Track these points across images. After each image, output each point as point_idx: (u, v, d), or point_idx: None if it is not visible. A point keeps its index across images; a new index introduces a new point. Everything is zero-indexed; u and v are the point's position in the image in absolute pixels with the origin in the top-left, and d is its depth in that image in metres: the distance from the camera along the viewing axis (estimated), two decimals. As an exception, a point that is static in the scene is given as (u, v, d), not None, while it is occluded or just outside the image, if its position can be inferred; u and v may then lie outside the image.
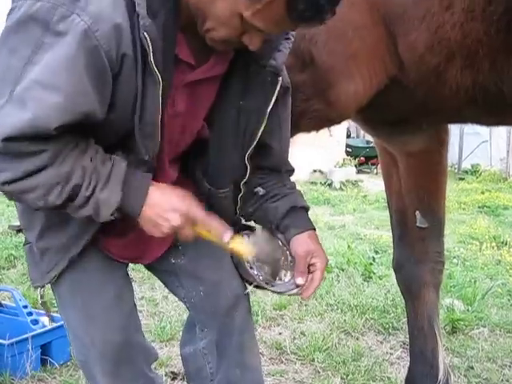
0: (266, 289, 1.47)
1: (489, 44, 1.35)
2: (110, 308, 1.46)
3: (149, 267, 1.67)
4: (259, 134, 1.40)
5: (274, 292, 1.50)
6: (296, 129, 1.55)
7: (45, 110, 1.07)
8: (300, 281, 1.44)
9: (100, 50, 1.08)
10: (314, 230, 1.53)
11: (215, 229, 1.34)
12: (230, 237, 1.36)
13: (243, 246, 1.40)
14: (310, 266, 1.46)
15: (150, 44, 1.12)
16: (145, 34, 1.11)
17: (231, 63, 1.36)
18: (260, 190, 1.53)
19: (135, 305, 1.57)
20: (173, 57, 1.22)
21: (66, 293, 1.47)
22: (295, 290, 1.45)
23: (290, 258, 1.50)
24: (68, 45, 1.06)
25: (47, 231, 1.38)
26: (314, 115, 1.64)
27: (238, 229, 1.55)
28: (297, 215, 1.52)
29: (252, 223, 1.62)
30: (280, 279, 1.48)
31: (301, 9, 1.10)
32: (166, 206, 1.25)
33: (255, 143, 1.42)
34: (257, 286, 1.50)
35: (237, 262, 1.51)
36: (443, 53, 1.41)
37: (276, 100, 1.39)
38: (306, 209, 1.56)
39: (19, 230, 4.87)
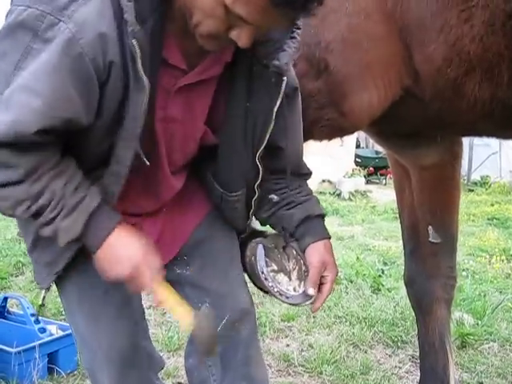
0: (280, 300, 1.46)
1: (510, 58, 1.33)
2: (117, 313, 1.46)
3: None
4: (268, 134, 1.40)
5: (288, 303, 1.49)
6: (308, 135, 1.54)
7: (25, 113, 1.09)
8: (311, 292, 1.44)
9: (84, 57, 1.10)
10: (329, 238, 1.53)
11: (159, 292, 1.32)
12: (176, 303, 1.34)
13: (185, 317, 1.34)
14: (321, 277, 1.46)
15: (138, 51, 1.12)
16: (133, 41, 1.11)
17: (235, 65, 1.34)
18: (274, 197, 1.52)
19: (143, 311, 1.57)
20: (159, 62, 1.22)
21: (73, 298, 1.47)
22: (309, 301, 1.45)
23: (304, 268, 1.49)
24: (52, 51, 1.08)
25: (37, 244, 1.39)
26: (327, 124, 1.63)
27: (251, 235, 1.54)
28: (312, 223, 1.52)
29: (263, 228, 1.62)
30: (294, 290, 1.47)
31: None
32: (121, 253, 1.26)
33: (265, 144, 1.41)
34: (271, 295, 1.49)
35: (251, 272, 1.50)
36: (462, 66, 1.39)
37: (283, 100, 1.37)
38: (323, 216, 1.55)
39: (28, 237, 4.87)
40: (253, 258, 1.48)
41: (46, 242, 1.36)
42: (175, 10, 1.20)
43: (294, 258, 1.51)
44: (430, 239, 2.12)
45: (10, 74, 1.10)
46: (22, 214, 1.19)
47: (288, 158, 1.49)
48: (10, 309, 3.00)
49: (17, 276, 4.25)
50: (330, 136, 1.77)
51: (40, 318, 2.79)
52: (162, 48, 1.21)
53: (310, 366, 2.85)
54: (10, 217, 1.29)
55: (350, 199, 9.61)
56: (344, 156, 10.94)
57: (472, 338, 3.16)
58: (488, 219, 7.79)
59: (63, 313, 3.41)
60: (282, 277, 1.48)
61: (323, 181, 10.27)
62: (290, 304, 1.50)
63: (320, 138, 1.76)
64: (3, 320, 2.87)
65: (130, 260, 1.25)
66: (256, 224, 1.65)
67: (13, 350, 2.48)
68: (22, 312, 2.83)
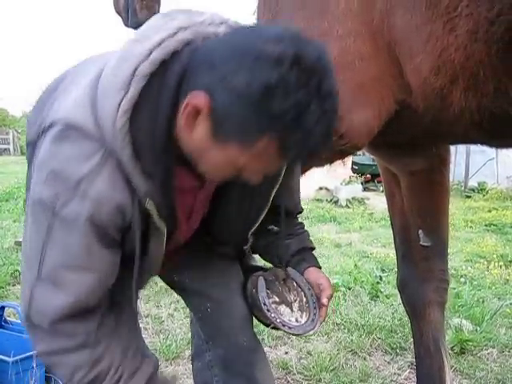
0: (283, 330, 1.47)
1: (491, 65, 1.34)
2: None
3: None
4: (262, 216, 1.45)
5: (291, 334, 1.50)
6: (310, 163, 1.56)
7: (82, 288, 1.14)
8: (325, 302, 1.50)
9: (107, 228, 1.12)
10: (320, 268, 1.61)
11: None
12: None
13: None
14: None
15: (154, 208, 1.15)
16: (147, 202, 1.13)
17: None
18: (274, 228, 1.55)
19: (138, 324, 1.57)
20: (174, 193, 1.20)
21: None
22: (312, 331, 1.48)
23: (305, 300, 1.52)
24: (77, 232, 1.10)
25: None
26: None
27: (250, 270, 1.59)
28: (306, 254, 1.60)
29: (262, 263, 1.67)
30: (296, 320, 1.49)
31: (294, 153, 1.08)
32: None
33: (260, 220, 1.46)
34: (273, 327, 1.50)
35: (253, 304, 1.51)
36: (447, 75, 1.40)
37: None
38: (313, 249, 1.64)
39: (25, 246, 4.86)
40: (254, 291, 1.49)
41: None
42: (179, 153, 1.17)
43: (295, 289, 1.54)
44: (421, 243, 2.13)
45: (40, 250, 1.12)
46: (81, 380, 1.19)
47: (289, 200, 1.56)
48: (7, 318, 2.97)
49: (14, 285, 4.23)
50: (330, 160, 1.78)
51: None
52: (173, 184, 1.18)
53: (308, 373, 2.83)
54: None
55: (347, 206, 9.64)
56: (341, 163, 10.94)
57: (471, 344, 3.16)
58: (485, 225, 7.81)
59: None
60: (283, 308, 1.50)
61: (320, 188, 10.29)
62: (293, 334, 1.50)
63: (321, 163, 1.78)
64: (0, 329, 2.85)
65: None
66: (254, 259, 1.69)
67: (10, 360, 2.46)
68: (19, 321, 2.82)
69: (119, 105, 1.06)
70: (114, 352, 1.22)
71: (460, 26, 1.33)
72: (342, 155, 1.77)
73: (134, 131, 1.07)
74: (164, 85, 1.08)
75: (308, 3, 1.59)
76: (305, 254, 1.60)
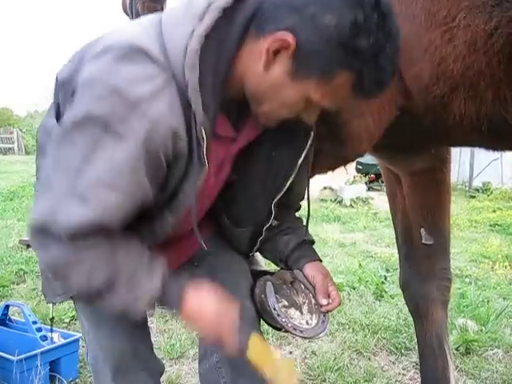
0: (295, 335, 1.46)
1: (491, 75, 1.35)
2: (117, 316, 1.44)
3: None
4: (288, 184, 1.45)
5: (302, 337, 1.49)
6: (312, 171, 1.57)
7: (109, 208, 1.11)
8: (324, 301, 1.49)
9: (159, 151, 1.13)
10: (321, 261, 1.61)
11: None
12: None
13: (270, 367, 1.36)
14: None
15: (205, 138, 1.16)
16: (202, 130, 1.15)
17: None
18: (274, 222, 1.55)
19: (145, 316, 1.57)
20: (212, 139, 1.22)
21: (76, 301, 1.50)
22: (323, 334, 1.46)
23: (313, 302, 1.51)
24: (129, 149, 1.09)
25: None
26: (329, 155, 1.65)
27: (256, 274, 1.58)
28: (306, 248, 1.60)
29: (266, 268, 1.67)
30: (307, 323, 1.48)
31: (366, 87, 1.17)
32: (197, 316, 1.27)
33: (284, 191, 1.45)
34: (285, 331, 1.50)
35: (262, 309, 1.50)
36: (447, 84, 1.41)
37: (307, 153, 1.43)
38: (313, 242, 1.64)
39: (29, 245, 4.87)
40: (262, 296, 1.48)
41: None
42: (231, 91, 1.23)
43: (303, 291, 1.53)
44: (423, 241, 2.13)
45: (80, 166, 1.09)
46: (98, 276, 1.16)
47: (297, 196, 1.58)
48: (12, 317, 2.98)
49: (18, 284, 4.24)
50: (333, 167, 1.79)
51: (41, 325, 2.78)
52: (215, 125, 1.23)
53: (313, 373, 2.83)
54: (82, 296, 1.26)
55: (351, 206, 9.62)
56: (345, 163, 10.92)
57: (476, 344, 3.15)
58: (490, 225, 7.78)
59: (65, 320, 3.41)
60: (293, 311, 1.49)
61: (324, 188, 10.28)
62: (305, 338, 1.50)
63: (324, 170, 1.78)
64: (5, 328, 2.86)
65: (211, 316, 1.26)
66: (260, 264, 1.69)
67: (14, 358, 2.47)
68: (23, 320, 2.82)
69: (192, 32, 1.12)
70: (128, 248, 1.21)
71: (458, 37, 1.35)
72: (344, 162, 1.77)
73: (200, 61, 1.12)
74: (233, 24, 1.16)
75: None
76: (304, 249, 1.59)
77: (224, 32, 1.16)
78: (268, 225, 1.50)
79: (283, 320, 1.44)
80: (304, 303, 1.51)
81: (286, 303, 1.50)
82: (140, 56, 1.11)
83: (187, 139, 1.16)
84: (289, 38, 1.11)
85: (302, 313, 1.50)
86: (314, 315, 1.49)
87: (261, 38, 1.15)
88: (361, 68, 1.13)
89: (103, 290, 1.17)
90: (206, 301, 1.28)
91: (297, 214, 1.68)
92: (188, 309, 1.25)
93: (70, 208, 1.09)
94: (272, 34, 1.12)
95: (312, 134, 1.41)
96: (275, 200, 1.46)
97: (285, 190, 1.45)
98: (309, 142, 1.42)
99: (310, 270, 1.55)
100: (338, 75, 1.14)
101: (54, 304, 1.51)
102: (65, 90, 1.25)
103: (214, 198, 1.45)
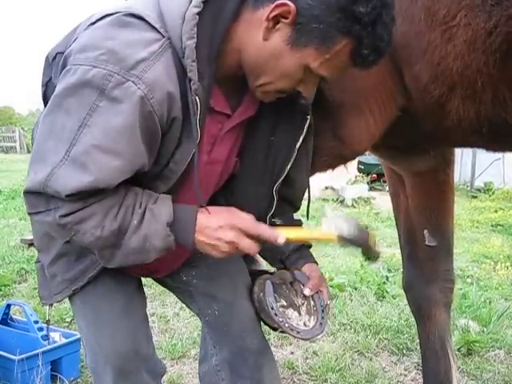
0: (291, 335, 1.46)
1: (488, 74, 1.35)
2: (118, 317, 1.46)
3: (161, 282, 1.67)
4: (288, 168, 1.44)
5: (299, 338, 1.48)
6: (312, 169, 1.57)
7: (106, 173, 1.11)
8: (307, 292, 1.51)
9: (154, 115, 1.12)
10: (317, 264, 1.63)
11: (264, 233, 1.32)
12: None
13: (325, 235, 1.39)
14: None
15: (199, 106, 1.16)
16: (196, 98, 1.15)
17: (261, 101, 1.36)
18: (277, 220, 1.54)
19: (146, 316, 1.57)
20: (207, 112, 1.23)
21: (77, 301, 1.49)
22: (320, 336, 1.46)
23: (312, 303, 1.51)
24: (125, 112, 1.09)
25: (60, 259, 1.41)
26: (329, 153, 1.65)
27: (256, 274, 1.58)
28: (305, 251, 1.62)
29: (267, 267, 1.67)
30: (305, 324, 1.48)
31: (365, 54, 1.17)
32: (215, 226, 1.26)
33: (283, 177, 1.45)
34: (281, 331, 1.49)
35: (260, 308, 1.49)
36: (446, 83, 1.41)
37: (305, 137, 1.43)
38: (310, 246, 1.65)
39: (31, 244, 4.88)
40: (261, 295, 1.48)
41: (70, 259, 1.40)
42: (228, 65, 1.24)
43: (302, 292, 1.52)
44: (426, 243, 2.13)
45: (75, 131, 1.09)
46: (112, 223, 1.16)
47: (298, 189, 1.57)
48: (13, 316, 2.98)
49: (20, 283, 4.24)
50: (333, 166, 1.79)
51: (43, 325, 2.78)
52: (210, 98, 1.23)
53: (314, 373, 2.83)
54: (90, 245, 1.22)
55: (353, 206, 9.61)
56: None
57: (478, 345, 3.14)
58: (492, 226, 7.78)
59: (66, 320, 3.41)
60: (291, 312, 1.49)
61: (326, 187, 10.27)
62: (301, 339, 1.49)
63: (323, 168, 1.78)
64: (6, 327, 2.86)
65: (224, 226, 1.26)
66: (260, 264, 1.68)
67: (16, 358, 2.47)
68: (25, 319, 2.82)
69: (190, 1, 1.15)
70: (135, 191, 1.22)
71: (458, 36, 1.35)
72: (344, 161, 1.77)
73: (197, 29, 1.13)
74: None
75: None
76: (304, 251, 1.61)
77: (220, 2, 1.18)
78: (271, 213, 1.49)
79: (280, 320, 1.44)
80: (303, 304, 1.51)
81: (285, 303, 1.49)
82: (137, 22, 1.12)
83: (181, 107, 1.17)
84: (287, 5, 1.12)
85: (300, 314, 1.49)
86: (313, 317, 1.49)
87: (260, 8, 1.16)
88: (359, 34, 1.14)
89: (117, 233, 1.18)
90: (218, 211, 1.29)
91: (297, 215, 1.67)
92: (203, 223, 1.25)
93: (68, 174, 1.09)
94: (271, 3, 1.14)
95: (309, 117, 1.41)
96: (276, 186, 1.45)
97: (284, 174, 1.44)
98: (306, 125, 1.41)
99: (307, 270, 1.57)
100: (338, 41, 1.15)
101: (50, 306, 1.50)
102: (57, 63, 1.24)
103: (212, 186, 1.44)
